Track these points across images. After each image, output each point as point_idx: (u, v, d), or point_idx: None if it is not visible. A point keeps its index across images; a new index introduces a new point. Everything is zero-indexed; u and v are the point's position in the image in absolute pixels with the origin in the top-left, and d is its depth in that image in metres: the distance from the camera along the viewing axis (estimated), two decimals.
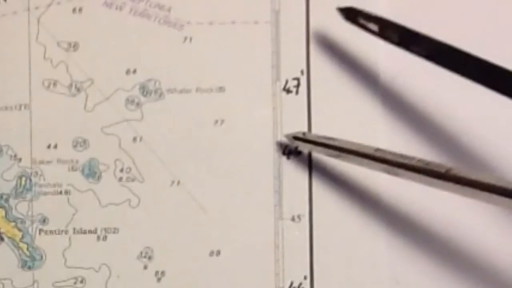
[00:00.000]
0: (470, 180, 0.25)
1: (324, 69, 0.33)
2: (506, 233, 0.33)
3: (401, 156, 0.28)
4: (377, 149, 0.29)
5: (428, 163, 0.27)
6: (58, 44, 0.32)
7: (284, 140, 0.33)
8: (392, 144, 0.32)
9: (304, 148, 0.32)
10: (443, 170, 0.26)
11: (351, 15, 0.31)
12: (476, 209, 0.33)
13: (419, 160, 0.28)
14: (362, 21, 0.31)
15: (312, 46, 0.33)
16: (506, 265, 0.33)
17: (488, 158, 0.33)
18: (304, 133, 0.32)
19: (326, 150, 0.31)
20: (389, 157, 0.29)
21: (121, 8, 0.33)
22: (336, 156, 0.31)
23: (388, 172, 0.29)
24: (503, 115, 0.32)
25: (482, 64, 0.28)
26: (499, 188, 0.25)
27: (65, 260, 0.32)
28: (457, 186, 0.26)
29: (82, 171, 0.32)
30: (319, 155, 0.33)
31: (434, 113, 0.33)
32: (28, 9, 0.32)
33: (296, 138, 0.32)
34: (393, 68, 0.33)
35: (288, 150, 0.33)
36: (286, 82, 0.33)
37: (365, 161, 0.29)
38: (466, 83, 0.28)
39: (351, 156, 0.30)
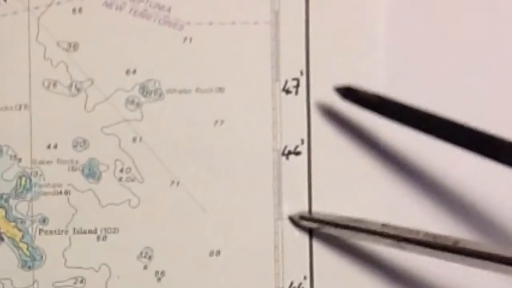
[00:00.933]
0: (478, 251, 0.26)
1: (324, 70, 0.33)
2: (507, 231, 0.33)
3: (407, 230, 0.29)
4: (384, 225, 0.30)
5: (434, 236, 0.28)
6: (58, 44, 0.32)
7: (295, 219, 0.33)
8: (392, 143, 0.33)
9: (308, 226, 0.32)
10: (450, 243, 0.27)
11: (348, 93, 0.31)
12: (477, 208, 0.33)
13: (426, 234, 0.28)
14: (359, 98, 0.31)
15: (311, 47, 0.33)
16: None
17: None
18: (309, 212, 0.33)
19: (332, 228, 0.32)
20: (395, 232, 0.29)
21: (121, 8, 0.33)
22: (343, 234, 0.32)
23: (396, 247, 0.29)
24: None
25: (479, 134, 0.28)
26: (508, 258, 0.25)
27: (65, 260, 0.32)
28: (465, 258, 0.26)
29: (82, 171, 0.32)
30: (319, 156, 0.33)
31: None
32: (28, 9, 0.32)
33: (302, 217, 0.32)
34: (393, 68, 0.33)
35: (288, 150, 0.33)
36: (286, 82, 0.33)
37: (372, 237, 0.30)
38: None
39: (357, 234, 0.31)
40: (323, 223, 0.32)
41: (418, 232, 0.28)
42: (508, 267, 0.25)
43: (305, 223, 0.32)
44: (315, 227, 0.32)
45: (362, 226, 0.30)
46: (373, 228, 0.30)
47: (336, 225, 0.31)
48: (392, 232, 0.29)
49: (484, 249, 0.26)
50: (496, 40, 0.33)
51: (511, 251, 0.25)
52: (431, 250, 0.28)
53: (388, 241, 0.29)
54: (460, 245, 0.27)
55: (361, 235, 0.30)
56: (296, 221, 0.33)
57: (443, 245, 0.27)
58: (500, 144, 0.28)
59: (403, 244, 0.29)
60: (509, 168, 0.28)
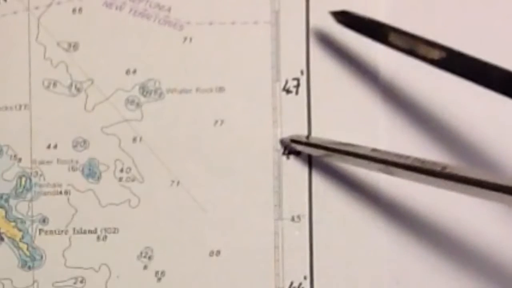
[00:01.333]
0: (465, 177, 0.26)
1: (324, 69, 0.33)
2: (507, 231, 0.33)
3: (397, 155, 0.29)
4: (373, 149, 0.29)
5: (423, 161, 0.27)
6: (58, 44, 0.32)
7: (285, 142, 0.32)
8: (392, 144, 0.33)
9: (301, 149, 0.32)
10: (438, 168, 0.27)
11: (344, 18, 0.31)
12: (476, 208, 0.33)
13: (415, 159, 0.28)
14: (356, 23, 0.31)
15: (312, 46, 0.33)
16: (507, 263, 0.33)
17: (486, 156, 0.33)
18: (300, 136, 0.32)
19: (322, 151, 0.31)
20: (385, 156, 0.29)
21: (121, 8, 0.33)
22: (332, 157, 0.31)
23: (384, 172, 0.29)
24: (500, 113, 0.32)
25: (471, 61, 0.28)
26: (494, 184, 0.25)
27: (65, 260, 0.32)
28: (453, 184, 0.26)
29: (82, 171, 0.32)
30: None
31: (433, 112, 0.33)
32: (28, 9, 0.32)
33: (293, 141, 0.32)
34: (393, 68, 0.33)
35: (288, 150, 0.33)
36: (286, 82, 0.33)
37: (361, 161, 0.30)
38: (462, 81, 0.28)
39: (347, 157, 0.30)
40: (313, 146, 0.31)
41: (407, 157, 0.28)
42: (495, 193, 0.25)
43: (295, 145, 0.32)
44: (304, 150, 0.32)
45: (352, 150, 0.30)
46: (362, 152, 0.30)
47: (326, 148, 0.31)
48: (381, 156, 0.29)
49: (471, 175, 0.26)
50: (496, 39, 0.33)
51: (498, 177, 0.25)
52: (419, 175, 0.27)
53: (377, 165, 0.29)
54: (448, 170, 0.26)
55: (351, 158, 0.30)
56: (286, 144, 0.32)
57: (431, 170, 0.27)
58: (492, 70, 0.28)
59: (392, 168, 0.28)
60: (501, 95, 0.27)
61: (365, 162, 0.29)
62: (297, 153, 0.33)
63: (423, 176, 0.27)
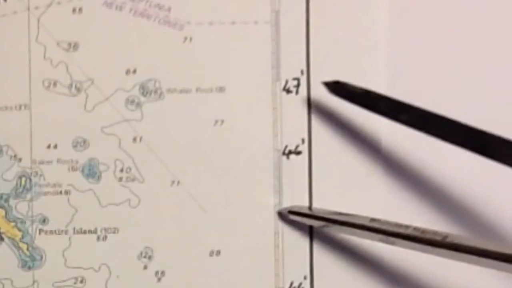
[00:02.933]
0: (467, 246, 0.26)
1: (324, 70, 0.33)
2: (508, 231, 0.33)
3: (396, 225, 0.29)
4: (372, 219, 0.30)
5: (423, 231, 0.28)
6: (58, 44, 0.32)
7: (283, 212, 0.33)
8: (392, 143, 0.33)
9: (300, 221, 0.32)
10: (439, 238, 0.27)
11: (338, 89, 0.31)
12: (477, 208, 0.33)
13: (415, 229, 0.28)
14: (347, 93, 0.31)
15: (312, 46, 0.33)
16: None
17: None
18: (299, 207, 0.32)
19: (321, 223, 0.31)
20: (384, 227, 0.29)
21: (121, 8, 0.33)
22: (332, 228, 0.32)
23: (385, 242, 0.29)
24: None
25: (472, 132, 0.28)
26: (496, 253, 0.25)
27: (65, 260, 0.32)
28: (454, 253, 0.26)
29: (82, 171, 0.32)
30: (320, 156, 0.33)
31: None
32: (28, 9, 0.32)
33: (291, 212, 0.32)
34: (393, 68, 0.33)
35: (289, 150, 0.33)
36: (286, 82, 0.33)
37: (361, 232, 0.30)
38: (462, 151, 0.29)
39: (346, 228, 0.30)
40: (311, 218, 0.32)
41: (407, 226, 0.28)
42: (496, 262, 0.25)
43: (293, 217, 0.32)
44: (303, 221, 0.32)
45: (351, 220, 0.30)
46: (361, 222, 0.30)
47: (324, 219, 0.31)
48: (380, 226, 0.29)
49: (471, 244, 0.26)
50: (496, 40, 0.33)
51: (499, 246, 0.25)
52: (420, 245, 0.28)
53: (377, 235, 0.29)
54: (448, 239, 0.27)
55: (350, 229, 0.30)
56: (284, 216, 0.32)
57: (432, 240, 0.27)
58: (491, 140, 0.28)
59: (392, 238, 0.29)
60: (501, 165, 0.27)
61: (365, 232, 0.30)
62: (297, 153, 0.33)
63: (424, 246, 0.28)
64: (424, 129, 0.29)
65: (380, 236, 0.29)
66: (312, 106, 0.33)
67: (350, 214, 0.31)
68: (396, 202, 0.33)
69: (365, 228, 0.29)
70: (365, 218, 0.30)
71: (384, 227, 0.29)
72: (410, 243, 0.28)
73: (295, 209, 0.32)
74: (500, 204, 0.33)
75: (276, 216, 0.33)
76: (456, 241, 0.26)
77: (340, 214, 0.31)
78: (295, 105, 0.33)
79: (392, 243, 0.29)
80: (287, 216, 0.32)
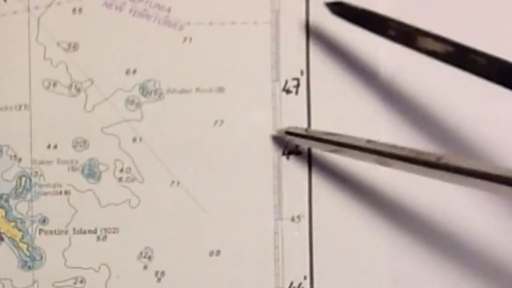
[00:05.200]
0: (461, 167, 0.26)
1: (324, 69, 0.33)
2: (508, 228, 0.33)
3: (393, 146, 0.28)
4: (369, 141, 0.29)
5: (419, 152, 0.27)
6: (58, 44, 0.32)
7: (280, 134, 0.32)
8: (392, 140, 0.33)
9: (296, 142, 0.32)
10: (433, 159, 0.27)
11: (340, 9, 0.31)
12: (477, 208, 0.33)
13: (411, 150, 0.28)
14: (351, 14, 0.31)
15: (312, 46, 0.33)
16: (507, 263, 0.33)
17: (484, 149, 0.33)
18: (295, 128, 0.32)
19: (318, 143, 0.31)
20: (380, 148, 0.29)
21: (121, 8, 0.33)
22: (327, 149, 0.31)
23: (380, 163, 0.29)
24: (498, 106, 0.33)
25: (473, 53, 0.28)
26: (490, 174, 0.25)
27: (65, 260, 0.32)
28: (449, 174, 0.26)
29: (82, 171, 0.32)
30: (319, 154, 0.33)
31: (435, 109, 0.33)
32: (28, 9, 0.32)
33: (288, 133, 0.32)
34: (393, 67, 0.33)
35: (288, 150, 0.33)
36: (286, 82, 0.33)
37: (357, 152, 0.29)
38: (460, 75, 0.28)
39: (342, 149, 0.30)
40: (308, 138, 0.31)
41: (403, 148, 0.28)
42: (492, 183, 0.25)
43: (290, 138, 0.32)
44: (299, 142, 0.32)
45: (348, 141, 0.30)
46: (358, 143, 0.29)
47: (322, 140, 0.31)
48: (377, 147, 0.29)
49: (467, 165, 0.25)
50: (496, 40, 0.33)
51: (494, 167, 0.25)
52: (415, 166, 0.27)
53: (373, 156, 0.29)
54: (444, 160, 0.26)
55: (346, 150, 0.30)
56: (281, 136, 0.32)
57: (427, 161, 0.27)
58: (493, 62, 0.28)
59: (387, 159, 0.28)
60: (502, 87, 0.27)
61: (361, 153, 0.29)
62: (297, 153, 0.33)
63: (418, 167, 0.27)
64: (434, 55, 0.29)
65: (375, 157, 0.29)
66: (311, 106, 0.33)
67: (347, 135, 0.30)
68: (395, 196, 0.33)
69: (361, 149, 0.29)
70: (361, 139, 0.30)
71: (380, 148, 0.29)
72: (405, 164, 0.27)
73: (291, 130, 0.32)
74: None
75: (276, 216, 0.33)
76: (451, 162, 0.26)
77: (337, 135, 0.31)
78: (295, 105, 0.33)
79: (388, 165, 0.28)
80: (284, 137, 0.32)
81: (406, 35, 0.29)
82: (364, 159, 0.29)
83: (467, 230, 0.33)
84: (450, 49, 0.28)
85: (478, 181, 0.25)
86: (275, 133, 0.33)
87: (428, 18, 0.33)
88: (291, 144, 0.33)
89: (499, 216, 0.33)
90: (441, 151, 0.32)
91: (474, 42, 0.32)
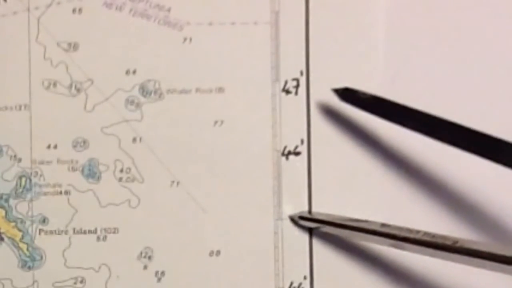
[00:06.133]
0: (477, 251, 0.26)
1: (324, 70, 0.33)
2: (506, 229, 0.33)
3: (407, 230, 0.29)
4: (383, 225, 0.30)
5: (434, 235, 0.28)
6: (58, 44, 0.32)
7: (295, 219, 0.33)
8: (392, 143, 0.33)
9: (309, 226, 0.32)
10: (450, 243, 0.27)
11: (346, 94, 0.32)
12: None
13: (425, 234, 0.28)
14: (357, 99, 0.31)
15: (311, 47, 0.33)
16: None
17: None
18: (309, 212, 0.33)
19: (332, 228, 0.32)
20: (394, 232, 0.29)
21: (121, 8, 0.33)
22: (343, 234, 0.32)
23: (395, 246, 0.29)
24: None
25: (478, 136, 0.29)
26: (507, 257, 0.25)
27: (65, 260, 0.32)
28: (464, 257, 0.27)
29: (82, 171, 0.32)
30: (319, 156, 0.33)
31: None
32: (28, 9, 0.32)
33: (302, 218, 0.32)
34: (393, 68, 0.33)
35: (288, 151, 0.33)
36: (286, 82, 0.33)
37: (371, 237, 0.30)
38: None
39: (357, 233, 0.31)
40: (323, 223, 0.32)
41: (417, 231, 0.29)
42: (506, 266, 0.25)
43: (304, 223, 0.32)
44: (314, 227, 0.32)
45: (362, 226, 0.30)
46: (372, 228, 0.30)
47: (336, 224, 0.31)
48: (391, 231, 0.29)
49: (482, 248, 0.26)
50: (496, 40, 0.33)
51: (509, 250, 0.25)
52: (430, 250, 0.28)
53: (388, 240, 0.29)
54: (459, 244, 0.27)
55: (361, 235, 0.30)
56: (295, 221, 0.33)
57: (442, 245, 0.27)
58: (499, 144, 0.28)
59: (402, 243, 0.29)
60: (508, 169, 0.28)
61: (375, 237, 0.30)
62: (297, 153, 0.33)
63: (434, 251, 0.28)
64: (435, 135, 0.29)
65: (391, 241, 0.29)
66: (311, 106, 0.33)
67: (360, 220, 0.31)
68: (395, 201, 0.33)
69: (376, 234, 0.30)
70: (375, 223, 0.30)
71: (394, 232, 0.29)
72: (421, 248, 0.28)
73: (305, 215, 0.32)
74: (508, 205, 0.33)
75: (276, 216, 0.33)
76: (466, 245, 0.27)
77: (351, 219, 0.31)
78: (295, 105, 0.33)
79: (403, 248, 0.29)
80: (298, 222, 0.32)
81: (419, 123, 0.30)
82: (379, 243, 0.30)
83: (466, 230, 0.33)
84: (463, 133, 0.29)
85: (495, 264, 0.26)
86: (290, 215, 0.33)
87: (428, 18, 0.33)
88: (290, 144, 0.33)
89: (497, 216, 0.33)
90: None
91: (474, 42, 0.32)
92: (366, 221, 0.31)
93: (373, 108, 0.31)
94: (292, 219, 0.33)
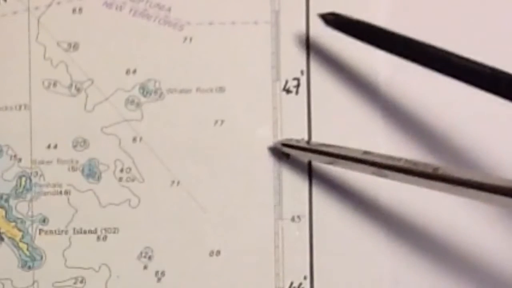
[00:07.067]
0: (457, 178, 0.26)
1: (324, 70, 0.33)
2: (504, 232, 0.33)
3: (389, 157, 0.29)
4: (365, 152, 0.30)
5: (415, 163, 0.28)
6: (58, 44, 0.32)
7: (277, 146, 0.32)
8: (391, 143, 0.33)
9: (292, 153, 0.32)
10: (430, 170, 0.27)
11: (333, 20, 0.31)
12: (474, 209, 0.33)
13: (407, 161, 0.28)
14: (344, 26, 0.31)
15: (312, 46, 0.33)
16: (504, 264, 0.33)
17: (480, 158, 0.33)
18: (292, 140, 0.32)
19: (315, 155, 0.31)
20: (377, 159, 0.29)
21: (121, 8, 0.33)
22: (324, 161, 0.31)
23: (377, 174, 0.29)
24: (498, 113, 0.32)
25: (457, 58, 0.28)
26: (486, 184, 0.25)
27: (65, 260, 0.32)
28: (445, 185, 0.26)
29: (82, 171, 0.32)
30: None
31: (434, 115, 0.33)
32: (28, 9, 0.32)
33: (285, 145, 0.32)
34: (393, 67, 0.33)
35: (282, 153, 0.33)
36: (286, 82, 0.33)
37: (353, 164, 0.30)
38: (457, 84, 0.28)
39: (339, 160, 0.30)
40: (305, 150, 0.32)
41: (399, 159, 0.28)
42: (488, 194, 0.25)
43: (286, 150, 0.32)
44: (296, 154, 0.32)
45: (344, 152, 0.30)
46: (354, 155, 0.30)
47: (318, 151, 0.31)
48: (373, 159, 0.29)
49: (463, 176, 0.26)
50: (496, 40, 0.33)
51: (490, 177, 0.25)
52: (412, 177, 0.27)
53: (370, 168, 0.29)
54: (440, 171, 0.27)
55: (343, 162, 0.30)
56: (278, 148, 0.32)
57: (424, 172, 0.27)
58: (480, 69, 0.28)
59: (384, 171, 0.28)
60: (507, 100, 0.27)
61: (357, 165, 0.30)
62: None
63: (415, 178, 0.27)
64: (421, 61, 0.29)
65: (373, 168, 0.29)
66: (312, 106, 0.33)
67: (343, 147, 0.31)
68: (396, 201, 0.33)
69: (358, 161, 0.29)
70: (358, 150, 0.30)
71: (376, 159, 0.29)
72: (402, 175, 0.28)
73: (287, 142, 0.32)
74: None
75: (276, 216, 0.33)
76: (447, 172, 0.26)
77: (333, 146, 0.31)
78: (295, 105, 0.33)
79: (385, 176, 0.29)
80: (281, 149, 0.32)
81: (403, 46, 0.29)
82: (361, 171, 0.30)
83: (465, 229, 0.33)
84: (450, 59, 0.28)
85: (474, 191, 0.25)
86: (272, 144, 0.33)
87: (428, 18, 0.33)
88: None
89: (497, 216, 0.33)
90: (436, 154, 0.33)
91: (475, 42, 0.32)
92: (348, 148, 0.30)
93: (358, 33, 0.31)
94: (274, 149, 0.32)
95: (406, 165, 0.28)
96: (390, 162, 0.28)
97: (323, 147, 0.31)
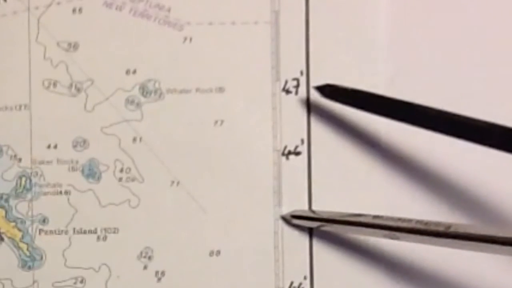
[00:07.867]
0: (470, 234, 0.26)
1: (324, 70, 0.33)
2: None
3: (399, 219, 0.29)
4: (375, 216, 0.30)
5: (426, 223, 0.28)
6: (58, 44, 0.32)
7: (287, 218, 0.33)
8: (393, 143, 0.33)
9: (303, 224, 0.32)
10: (442, 228, 0.27)
11: (329, 91, 0.32)
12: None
13: (418, 222, 0.28)
14: (340, 96, 0.31)
15: (311, 47, 0.33)
16: (505, 261, 0.33)
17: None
18: (301, 211, 0.33)
19: (325, 224, 0.32)
20: (387, 222, 0.29)
21: (121, 8, 0.33)
22: (335, 229, 0.32)
23: (389, 237, 0.29)
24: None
25: (462, 119, 0.28)
26: (499, 238, 0.26)
27: (65, 260, 0.32)
28: (458, 242, 0.27)
29: (82, 171, 0.32)
30: (319, 156, 0.33)
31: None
32: (28, 9, 0.32)
33: (294, 216, 0.32)
34: (393, 68, 0.33)
35: (288, 150, 0.33)
36: (286, 82, 0.33)
37: (365, 230, 0.30)
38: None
39: (350, 227, 0.31)
40: (315, 220, 0.32)
41: (409, 220, 0.29)
42: (501, 247, 0.25)
43: (296, 221, 0.32)
44: (307, 225, 0.32)
45: (354, 219, 0.30)
46: (365, 220, 0.30)
47: (329, 220, 0.31)
48: (384, 222, 0.29)
49: (476, 231, 0.26)
50: (496, 40, 0.33)
51: (502, 231, 0.26)
52: (424, 237, 0.28)
53: (382, 232, 0.29)
54: (452, 229, 0.27)
55: (354, 228, 0.30)
56: (288, 220, 0.33)
57: (436, 231, 0.27)
58: (487, 128, 0.28)
59: (396, 233, 0.29)
60: (501, 152, 0.27)
61: (369, 230, 0.30)
62: (297, 153, 0.33)
63: (428, 238, 0.28)
64: (417, 123, 0.29)
65: (384, 232, 0.29)
66: (311, 106, 0.33)
67: (352, 214, 0.31)
68: (396, 199, 0.33)
69: (369, 226, 0.30)
70: (367, 216, 0.30)
71: (387, 223, 0.29)
72: (414, 236, 0.28)
73: (298, 213, 0.32)
74: (501, 191, 0.33)
75: (276, 216, 0.33)
76: (459, 230, 0.27)
77: (343, 214, 0.31)
78: (295, 105, 0.33)
79: (397, 238, 0.29)
80: (290, 221, 0.32)
81: (400, 112, 0.30)
82: (373, 235, 0.30)
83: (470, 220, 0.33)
84: (449, 119, 0.29)
85: (489, 246, 0.26)
86: (282, 214, 0.33)
87: (428, 18, 0.33)
88: (290, 144, 0.33)
89: (501, 203, 0.33)
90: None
91: (475, 42, 0.32)
92: (358, 214, 0.31)
93: (356, 102, 0.31)
94: (285, 219, 0.33)
95: (418, 226, 0.28)
96: (400, 224, 0.29)
97: (333, 216, 0.31)
